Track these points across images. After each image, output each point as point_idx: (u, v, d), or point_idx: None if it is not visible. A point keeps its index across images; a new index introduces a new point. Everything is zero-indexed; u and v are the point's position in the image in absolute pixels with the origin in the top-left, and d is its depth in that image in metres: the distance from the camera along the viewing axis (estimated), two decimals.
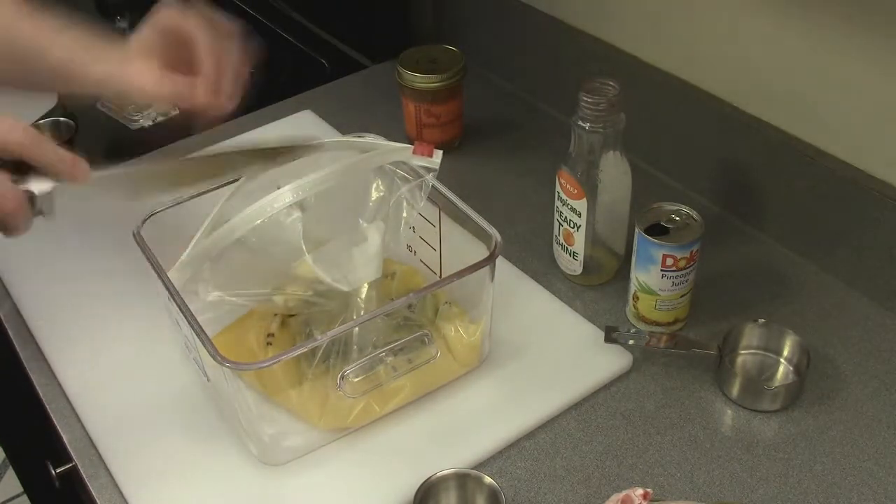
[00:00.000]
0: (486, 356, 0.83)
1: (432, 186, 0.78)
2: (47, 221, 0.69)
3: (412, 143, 0.78)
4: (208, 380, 0.77)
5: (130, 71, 0.78)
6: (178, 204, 0.79)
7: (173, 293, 0.71)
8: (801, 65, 0.89)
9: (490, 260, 0.75)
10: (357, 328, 0.76)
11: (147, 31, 0.80)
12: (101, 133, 1.25)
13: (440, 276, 0.84)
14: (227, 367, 0.67)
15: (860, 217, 0.87)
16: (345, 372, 0.73)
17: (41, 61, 0.78)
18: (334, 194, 0.75)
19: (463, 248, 0.78)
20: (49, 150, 0.67)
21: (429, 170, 0.78)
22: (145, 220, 0.78)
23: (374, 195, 0.80)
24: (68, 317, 0.89)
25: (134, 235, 0.77)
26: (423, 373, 0.77)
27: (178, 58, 0.79)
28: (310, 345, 0.69)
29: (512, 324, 0.86)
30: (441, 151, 0.77)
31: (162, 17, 0.80)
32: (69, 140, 1.23)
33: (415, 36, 1.35)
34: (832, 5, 0.83)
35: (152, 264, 0.76)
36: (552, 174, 0.88)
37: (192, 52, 0.79)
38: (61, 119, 1.25)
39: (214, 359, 0.66)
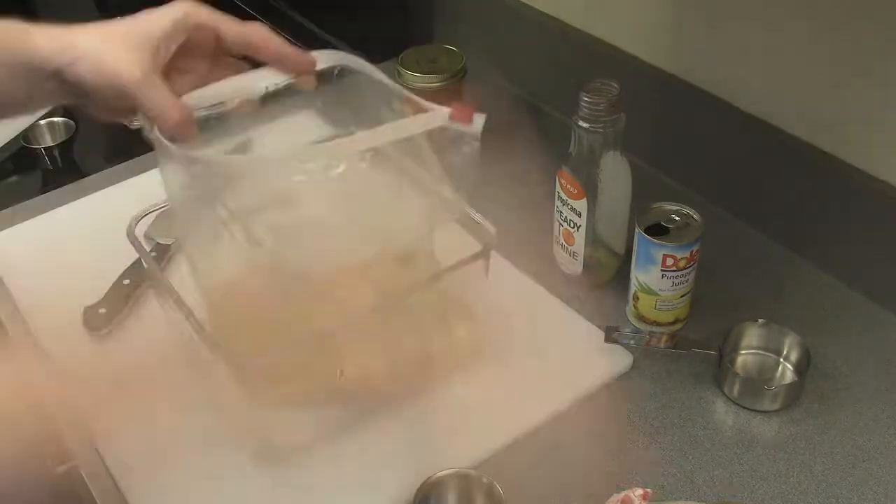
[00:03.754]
0: (481, 350, 0.83)
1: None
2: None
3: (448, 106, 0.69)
4: (207, 376, 0.77)
5: (107, 50, 0.62)
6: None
7: (171, 292, 0.71)
8: (800, 65, 0.88)
9: (484, 253, 0.75)
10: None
11: (159, 20, 0.64)
12: (100, 133, 1.26)
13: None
14: (228, 361, 0.67)
15: (860, 217, 0.87)
16: (345, 364, 0.73)
17: None
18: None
19: (460, 248, 0.78)
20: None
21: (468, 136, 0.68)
22: (139, 218, 0.78)
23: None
24: (67, 315, 0.89)
25: (128, 233, 0.77)
26: (422, 366, 0.77)
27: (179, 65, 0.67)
28: (310, 338, 0.69)
29: (512, 324, 0.86)
30: (483, 116, 0.67)
31: (186, 11, 0.65)
32: (69, 140, 1.23)
33: (415, 36, 1.34)
34: (832, 6, 0.83)
35: (146, 261, 0.77)
36: (552, 174, 0.88)
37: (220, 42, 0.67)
38: (61, 119, 1.26)
39: (215, 353, 0.66)
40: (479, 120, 0.68)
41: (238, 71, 0.70)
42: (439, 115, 0.68)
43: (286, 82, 0.70)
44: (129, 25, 0.64)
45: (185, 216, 0.72)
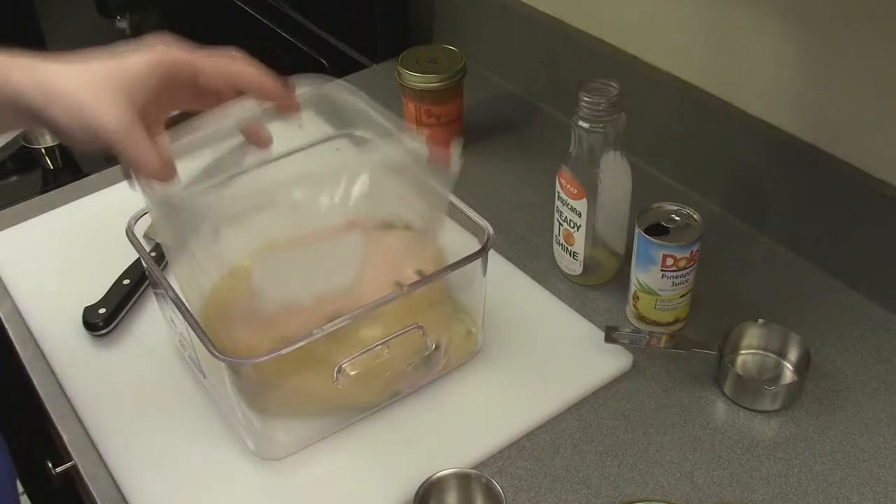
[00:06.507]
0: (479, 349, 0.83)
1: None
2: None
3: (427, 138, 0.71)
4: (204, 376, 0.77)
5: (84, 95, 0.61)
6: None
7: (168, 290, 0.71)
8: (800, 64, 0.88)
9: (482, 252, 0.75)
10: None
11: (136, 62, 0.64)
12: None
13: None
14: (225, 361, 0.67)
15: (860, 217, 0.87)
16: (342, 364, 0.73)
17: None
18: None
19: (459, 247, 0.78)
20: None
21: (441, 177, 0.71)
22: (138, 217, 0.78)
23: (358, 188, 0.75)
24: (68, 315, 0.89)
25: (127, 232, 0.77)
26: (419, 365, 0.77)
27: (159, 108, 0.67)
28: (307, 339, 0.69)
29: (512, 324, 0.86)
30: (459, 147, 0.69)
31: (162, 51, 0.65)
32: None
33: (415, 36, 1.35)
34: (832, 5, 0.83)
35: (146, 261, 0.76)
36: (552, 174, 0.88)
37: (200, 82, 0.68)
38: None
39: (212, 353, 0.66)
40: (455, 160, 0.70)
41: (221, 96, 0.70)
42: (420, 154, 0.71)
43: (273, 115, 0.71)
44: (107, 68, 0.63)
45: (173, 248, 0.74)
